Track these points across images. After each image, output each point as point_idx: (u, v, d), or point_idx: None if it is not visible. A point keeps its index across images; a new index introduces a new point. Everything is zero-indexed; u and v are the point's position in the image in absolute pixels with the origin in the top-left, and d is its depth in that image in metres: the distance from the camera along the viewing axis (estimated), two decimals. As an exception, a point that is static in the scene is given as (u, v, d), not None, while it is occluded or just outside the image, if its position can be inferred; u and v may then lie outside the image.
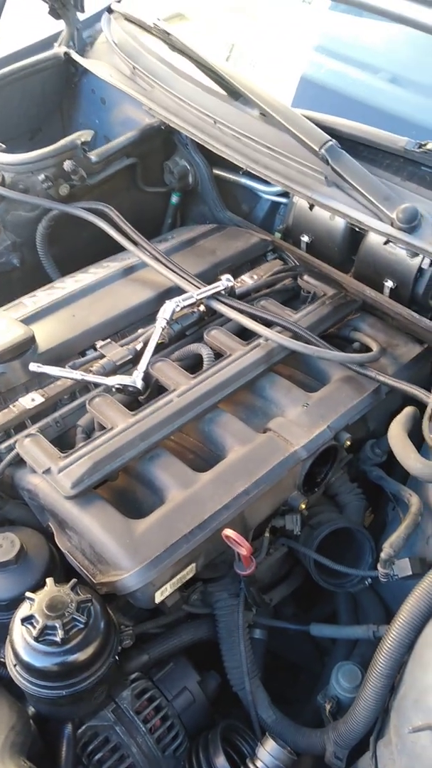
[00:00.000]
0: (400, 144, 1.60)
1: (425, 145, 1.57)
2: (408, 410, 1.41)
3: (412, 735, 1.06)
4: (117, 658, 1.25)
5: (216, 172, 2.10)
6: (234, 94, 1.88)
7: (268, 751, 1.16)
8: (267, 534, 1.44)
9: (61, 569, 1.31)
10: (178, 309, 1.57)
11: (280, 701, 1.47)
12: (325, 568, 1.48)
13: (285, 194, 2.02)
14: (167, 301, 1.56)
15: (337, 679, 1.38)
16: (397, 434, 1.34)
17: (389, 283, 1.76)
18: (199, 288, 1.63)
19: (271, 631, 1.60)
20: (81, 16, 2.27)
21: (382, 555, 1.27)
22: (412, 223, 1.52)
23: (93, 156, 1.90)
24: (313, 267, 1.86)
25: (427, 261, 1.70)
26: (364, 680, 1.21)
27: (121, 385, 1.45)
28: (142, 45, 2.06)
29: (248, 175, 1.99)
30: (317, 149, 1.60)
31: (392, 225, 1.54)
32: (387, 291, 1.77)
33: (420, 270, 1.72)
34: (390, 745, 1.16)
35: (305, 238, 1.91)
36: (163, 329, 1.55)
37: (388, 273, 1.76)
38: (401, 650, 1.15)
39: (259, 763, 1.16)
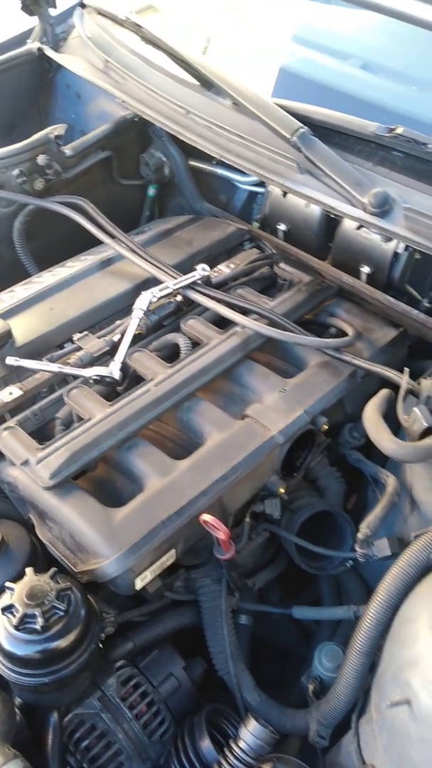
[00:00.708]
0: (371, 129, 1.61)
1: (395, 129, 1.58)
2: (383, 393, 1.43)
3: (391, 710, 1.07)
4: (101, 645, 1.27)
5: (192, 163, 2.11)
6: (206, 84, 1.89)
7: (250, 731, 1.17)
8: (248, 519, 1.46)
9: (43, 560, 1.32)
10: (154, 299, 1.58)
11: (268, 686, 1.49)
12: (307, 552, 1.49)
13: (262, 184, 2.03)
14: (143, 292, 1.57)
15: (320, 660, 1.39)
16: (371, 416, 1.35)
17: (366, 269, 1.78)
18: (176, 278, 1.63)
19: (258, 618, 1.62)
20: (54, 12, 2.26)
21: (359, 535, 1.29)
22: (383, 208, 1.53)
23: (67, 150, 1.90)
24: (291, 255, 1.87)
25: (401, 246, 1.71)
26: (344, 659, 1.23)
27: (98, 376, 1.46)
28: (115, 38, 2.06)
29: (225, 165, 2.00)
30: (289, 137, 1.61)
31: (364, 210, 1.55)
32: (364, 277, 1.79)
33: (395, 255, 1.73)
34: (371, 722, 1.17)
35: (282, 227, 1.92)
36: (140, 320, 1.55)
37: (364, 259, 1.78)
38: (379, 628, 1.17)
39: (242, 744, 1.17)
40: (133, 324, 1.54)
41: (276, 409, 1.44)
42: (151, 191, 2.14)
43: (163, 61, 1.98)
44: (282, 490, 1.43)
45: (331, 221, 1.83)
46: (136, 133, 2.06)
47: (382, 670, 1.15)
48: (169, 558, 1.28)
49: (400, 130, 1.58)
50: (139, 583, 1.23)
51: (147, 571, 1.24)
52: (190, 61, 1.86)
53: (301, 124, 1.61)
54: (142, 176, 2.12)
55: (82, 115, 2.25)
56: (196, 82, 1.94)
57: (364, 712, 1.22)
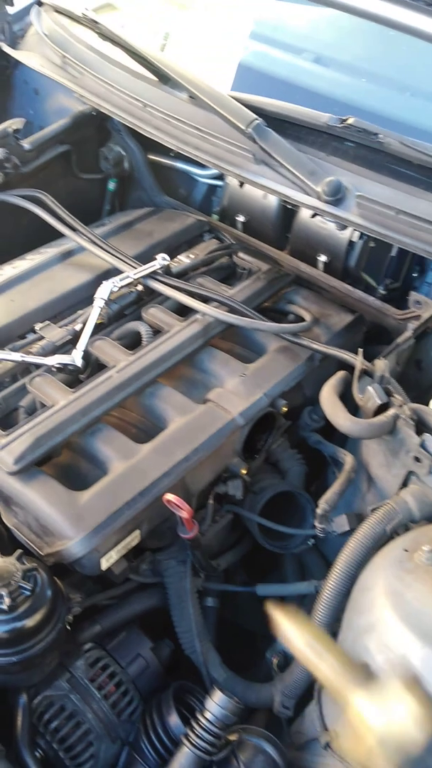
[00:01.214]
0: (323, 120, 1.65)
1: (347, 120, 1.63)
2: (339, 374, 1.47)
3: (350, 674, 1.11)
4: (68, 627, 1.29)
5: (152, 157, 2.14)
6: (163, 78, 1.92)
7: (216, 701, 1.20)
8: (211, 501, 1.49)
9: (10, 546, 1.33)
10: (115, 289, 1.60)
11: (236, 666, 1.52)
12: (270, 532, 1.53)
13: (221, 177, 2.07)
14: (104, 282, 1.59)
15: (283, 635, 1.43)
16: (328, 396, 1.40)
17: (323, 258, 1.83)
18: (137, 268, 1.66)
19: (225, 600, 1.65)
20: (11, 10, 2.27)
21: (318, 511, 1.33)
22: (336, 196, 1.57)
23: (26, 144, 1.91)
24: (249, 245, 1.91)
25: (356, 234, 1.77)
26: (306, 630, 1.26)
27: (61, 364, 1.48)
28: (72, 35, 2.07)
29: (184, 159, 2.03)
30: (244, 128, 1.64)
31: (318, 198, 1.59)
32: (321, 265, 1.84)
33: (350, 243, 1.78)
34: (332, 689, 1.21)
35: (241, 218, 1.96)
36: (101, 309, 1.58)
37: (321, 248, 1.82)
38: (338, 598, 1.21)
39: (207, 714, 1.20)
40: (94, 313, 1.56)
41: (236, 393, 1.47)
42: (111, 185, 2.16)
43: (120, 57, 2.00)
44: (244, 471, 1.47)
45: (288, 212, 1.88)
46: (94, 127, 2.08)
47: (342, 638, 1.19)
48: (133, 538, 1.30)
49: (351, 120, 1.63)
50: (104, 564, 1.26)
51: (112, 551, 1.26)
52: (147, 57, 1.89)
53: (256, 116, 1.65)
54: (101, 170, 2.14)
55: (40, 111, 2.26)
56: (153, 77, 1.96)
57: (326, 681, 1.26)
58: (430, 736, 0.23)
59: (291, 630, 0.24)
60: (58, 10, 2.16)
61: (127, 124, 1.85)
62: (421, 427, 1.30)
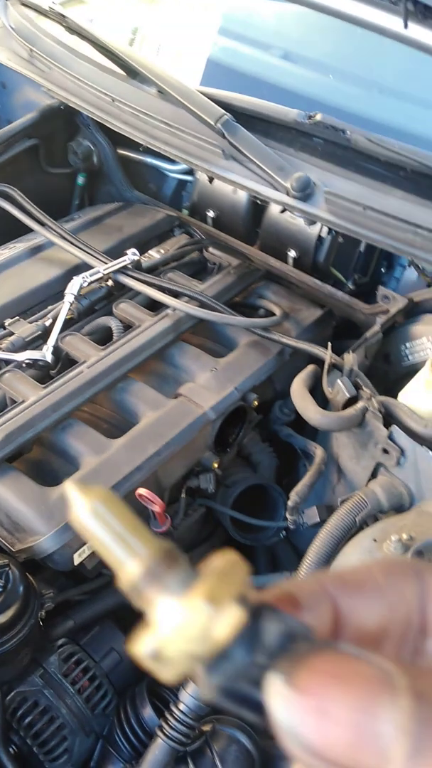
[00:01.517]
0: (291, 116, 1.66)
1: (314, 116, 1.64)
2: (309, 368, 1.49)
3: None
4: (41, 623, 1.29)
5: (121, 152, 2.13)
6: (131, 73, 1.92)
7: (189, 693, 1.22)
8: (183, 495, 1.50)
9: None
10: (85, 284, 1.60)
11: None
12: (242, 524, 1.55)
13: (190, 172, 2.07)
14: (74, 277, 1.59)
15: (256, 626, 1.44)
16: (298, 389, 1.41)
17: (292, 253, 1.84)
18: (106, 263, 1.66)
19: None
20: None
21: (289, 503, 1.34)
22: (305, 191, 1.59)
23: (-7, 138, 1.90)
24: (220, 240, 1.92)
25: (325, 230, 1.79)
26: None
27: (31, 360, 1.47)
28: (39, 28, 2.06)
29: (153, 153, 2.03)
30: (213, 123, 1.65)
31: (287, 194, 1.60)
32: (291, 261, 1.85)
33: (319, 239, 1.80)
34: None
35: (211, 213, 1.97)
36: (71, 305, 1.57)
37: (291, 243, 1.84)
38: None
39: (181, 706, 1.22)
40: (64, 308, 1.55)
41: (208, 387, 1.48)
42: (80, 180, 2.15)
43: (88, 51, 1.99)
44: (216, 465, 1.48)
45: (257, 207, 1.89)
46: (63, 121, 2.06)
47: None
48: (106, 533, 1.30)
49: (319, 117, 1.64)
50: (77, 559, 1.26)
51: (85, 546, 1.26)
52: (116, 51, 1.88)
53: (225, 111, 1.65)
54: (70, 165, 2.13)
55: (7, 105, 2.24)
56: (122, 72, 1.96)
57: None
58: (231, 637, 0.24)
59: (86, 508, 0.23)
60: (25, 4, 2.14)
61: (96, 119, 1.85)
62: (388, 419, 1.32)
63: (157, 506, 1.26)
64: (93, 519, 0.29)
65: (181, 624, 0.27)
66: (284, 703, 0.25)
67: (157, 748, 1.24)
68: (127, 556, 0.29)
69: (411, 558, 1.01)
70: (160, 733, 1.24)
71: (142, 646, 0.28)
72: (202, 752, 1.26)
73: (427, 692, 0.22)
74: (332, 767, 0.23)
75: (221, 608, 0.27)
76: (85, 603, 1.45)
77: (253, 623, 0.28)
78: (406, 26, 1.52)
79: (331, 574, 0.31)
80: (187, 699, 1.21)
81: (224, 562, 0.29)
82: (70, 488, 0.29)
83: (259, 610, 0.28)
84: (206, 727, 1.27)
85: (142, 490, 1.25)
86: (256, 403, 1.52)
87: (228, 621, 0.27)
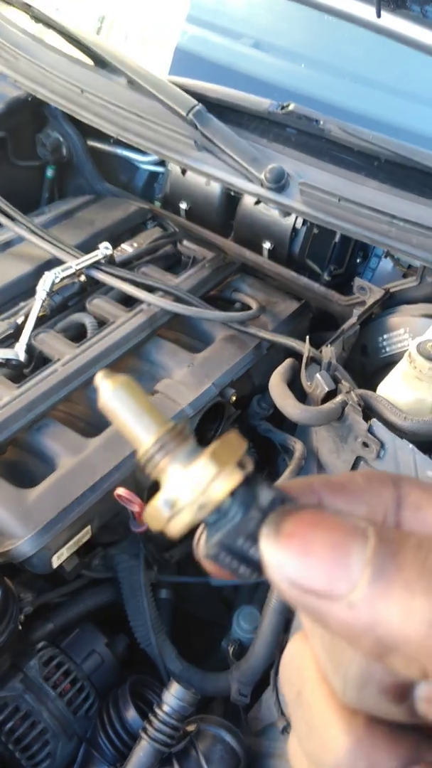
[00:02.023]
0: (264, 106, 1.64)
1: (287, 107, 1.62)
2: (287, 362, 1.47)
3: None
4: (20, 626, 1.26)
5: (91, 143, 2.09)
6: (100, 63, 1.88)
7: (173, 693, 1.20)
8: (162, 493, 1.48)
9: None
10: (57, 280, 1.57)
11: (192, 657, 1.52)
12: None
13: (162, 163, 2.04)
14: (46, 273, 1.56)
15: (238, 623, 1.44)
16: (276, 384, 1.40)
17: (267, 245, 1.82)
18: (79, 258, 1.62)
19: (179, 592, 1.64)
20: None
21: (270, 499, 1.33)
22: (279, 183, 1.57)
23: (-41, 131, 1.85)
24: (193, 233, 1.89)
25: (300, 221, 1.77)
26: (261, 619, 1.27)
27: (3, 359, 1.44)
28: (4, 18, 2.01)
29: (124, 145, 1.99)
30: (185, 114, 1.62)
31: (261, 185, 1.58)
32: (265, 252, 1.83)
33: (294, 230, 1.79)
34: (288, 675, 1.23)
35: (183, 205, 1.94)
36: (43, 301, 1.54)
37: (265, 234, 1.82)
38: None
39: (165, 707, 1.20)
40: (36, 305, 1.52)
41: (185, 383, 1.46)
42: (50, 172, 2.11)
43: (55, 40, 1.95)
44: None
45: (231, 198, 1.87)
46: (30, 113, 2.02)
47: (297, 625, 1.20)
48: (84, 535, 1.28)
49: (291, 107, 1.62)
50: (55, 561, 1.23)
51: (63, 549, 1.24)
52: (83, 40, 1.84)
53: (197, 102, 1.63)
54: (39, 157, 2.09)
55: (-27, 97, 2.18)
56: (90, 62, 1.92)
57: (282, 667, 1.27)
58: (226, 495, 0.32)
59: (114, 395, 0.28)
60: (-11, -8, 2.09)
61: (65, 110, 1.81)
62: (368, 412, 1.31)
63: (136, 506, 1.24)
64: (115, 400, 0.34)
65: (192, 477, 0.32)
66: (273, 545, 0.29)
67: (141, 750, 1.23)
68: (143, 432, 0.34)
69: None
70: (143, 735, 1.23)
71: (157, 500, 0.33)
72: (187, 753, 1.25)
73: (389, 537, 0.28)
74: (312, 596, 0.28)
75: (224, 468, 0.32)
76: (65, 605, 1.43)
77: (249, 486, 0.33)
78: (378, 15, 1.50)
79: (318, 476, 0.34)
80: (170, 700, 1.19)
81: (227, 437, 0.33)
82: (98, 374, 0.35)
83: (255, 478, 0.33)
84: (191, 727, 1.26)
85: (121, 490, 1.23)
86: (234, 398, 1.50)
87: (229, 479, 0.32)
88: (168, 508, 0.32)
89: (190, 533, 0.33)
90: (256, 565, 0.32)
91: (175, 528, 0.33)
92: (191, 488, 0.32)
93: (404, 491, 0.34)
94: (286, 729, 1.25)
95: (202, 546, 0.33)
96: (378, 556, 0.27)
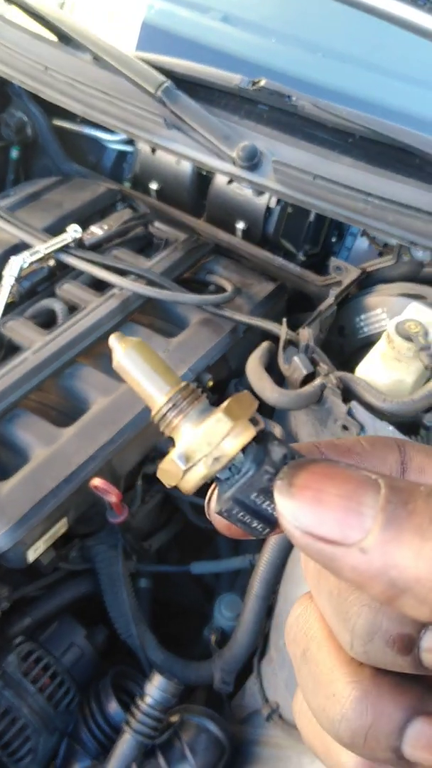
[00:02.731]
0: (234, 82, 1.60)
1: (258, 82, 1.58)
2: (264, 345, 1.45)
3: (288, 648, 1.11)
4: (-4, 623, 1.23)
5: (56, 123, 2.03)
6: (64, 39, 1.81)
7: (155, 685, 1.18)
8: (140, 482, 1.45)
9: None
10: (25, 265, 1.52)
11: (173, 646, 1.50)
12: (202, 509, 1.51)
13: (131, 142, 1.98)
14: (13, 258, 1.50)
15: (220, 610, 1.42)
16: (253, 368, 1.37)
17: (241, 225, 1.79)
18: (47, 242, 1.57)
19: (159, 580, 1.62)
20: None
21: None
22: (252, 161, 1.53)
23: None
24: (165, 214, 1.85)
25: (273, 200, 1.73)
26: (243, 606, 1.26)
27: (-29, 348, 1.39)
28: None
29: (91, 124, 1.93)
30: (153, 91, 1.57)
31: (234, 164, 1.54)
32: (239, 233, 1.79)
33: (268, 209, 1.75)
34: (271, 663, 1.21)
35: (154, 186, 1.90)
36: (11, 287, 1.49)
37: (239, 214, 1.78)
38: (273, 571, 1.20)
39: (147, 699, 1.18)
40: (4, 292, 1.47)
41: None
42: (14, 153, 2.04)
43: (17, 17, 1.87)
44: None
45: (202, 178, 1.82)
46: (-7, 91, 1.95)
47: (279, 611, 1.19)
48: (61, 527, 1.25)
49: (263, 83, 1.58)
50: (31, 555, 1.20)
51: (39, 542, 1.21)
52: (46, 16, 1.78)
53: (165, 78, 1.58)
54: (2, 137, 2.02)
55: None
56: (54, 38, 1.85)
57: (265, 654, 1.26)
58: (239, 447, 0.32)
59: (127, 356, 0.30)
60: None
61: (29, 89, 1.74)
62: (347, 394, 1.30)
63: (113, 496, 1.21)
64: (127, 361, 0.35)
65: (207, 431, 0.32)
66: (287, 497, 0.30)
67: (125, 743, 1.21)
68: (156, 391, 0.34)
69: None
70: (126, 728, 1.21)
71: (172, 455, 0.33)
72: (171, 744, 1.24)
73: (400, 486, 0.29)
74: (325, 544, 0.29)
75: (238, 423, 0.32)
76: (42, 598, 1.40)
77: (261, 442, 0.33)
78: (350, -15, 1.46)
79: (324, 440, 0.35)
80: (153, 691, 1.17)
81: (239, 395, 0.34)
82: (111, 337, 0.35)
83: (266, 434, 0.34)
84: (174, 718, 1.24)
85: (97, 481, 1.20)
86: (210, 383, 1.47)
87: (243, 434, 0.32)
88: (183, 462, 0.33)
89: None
90: (269, 520, 0.33)
91: (190, 482, 0.33)
92: (206, 442, 0.32)
93: (408, 455, 0.35)
94: (270, 716, 1.24)
95: (214, 502, 0.34)
96: (390, 504, 0.28)
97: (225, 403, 0.33)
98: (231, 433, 0.32)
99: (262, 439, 0.34)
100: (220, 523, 0.35)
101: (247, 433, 0.33)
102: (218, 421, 0.32)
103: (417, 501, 0.28)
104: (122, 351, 0.35)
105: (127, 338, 0.35)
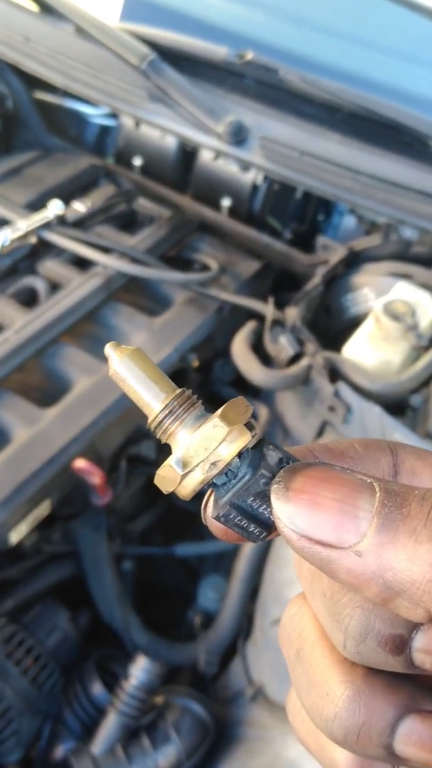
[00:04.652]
0: (221, 55, 1.57)
1: (244, 55, 1.55)
2: (249, 325, 1.43)
3: (273, 628, 1.11)
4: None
5: (38, 95, 1.97)
6: (46, 8, 1.76)
7: (139, 666, 1.18)
8: (123, 463, 1.43)
9: None
10: (6, 242, 1.48)
11: (158, 628, 1.49)
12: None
13: (114, 116, 1.94)
14: (-7, 235, 1.47)
15: (205, 592, 1.41)
16: (239, 348, 1.36)
17: (226, 202, 1.76)
18: (29, 218, 1.54)
19: (143, 563, 1.61)
20: None
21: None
22: (239, 136, 1.50)
23: None
24: (149, 190, 1.81)
25: (260, 177, 1.70)
26: (227, 588, 1.25)
27: None
28: None
29: (73, 97, 1.89)
30: (137, 64, 1.53)
31: (219, 139, 1.52)
32: (225, 210, 1.77)
33: (254, 186, 1.72)
34: (256, 644, 1.21)
35: (138, 161, 1.86)
36: (-8, 265, 1.46)
37: (225, 191, 1.75)
38: (258, 553, 1.20)
39: (132, 680, 1.18)
40: (-16, 269, 1.44)
41: (144, 349, 1.40)
42: (-5, 127, 1.99)
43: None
44: (156, 431, 1.41)
45: (187, 153, 1.79)
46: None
47: (264, 592, 1.18)
48: (44, 509, 1.23)
49: (249, 55, 1.55)
50: (14, 537, 1.19)
51: (22, 524, 1.19)
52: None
53: (149, 50, 1.54)
54: (-18, 111, 1.97)
55: None
56: (35, 8, 1.80)
57: (249, 636, 1.26)
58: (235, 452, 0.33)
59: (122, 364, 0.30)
60: None
61: (9, 60, 1.70)
62: (334, 375, 1.28)
63: (97, 477, 1.19)
64: (123, 370, 0.35)
65: (203, 437, 0.32)
66: (284, 501, 0.30)
67: (109, 724, 1.21)
68: (152, 399, 0.34)
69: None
70: (111, 709, 1.20)
71: (169, 461, 0.33)
72: (156, 725, 1.23)
73: (395, 490, 0.29)
74: (322, 547, 0.29)
75: (233, 428, 0.32)
76: (25, 581, 1.39)
77: (257, 447, 0.34)
78: None
79: (317, 443, 0.35)
80: (138, 673, 1.17)
81: (234, 400, 0.34)
82: (107, 347, 0.35)
83: (262, 439, 0.34)
84: (159, 699, 1.24)
85: (80, 462, 1.18)
86: (196, 363, 1.45)
87: (239, 439, 0.32)
88: (180, 467, 0.33)
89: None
90: (266, 523, 0.33)
91: (188, 487, 0.33)
92: (203, 447, 0.32)
93: (401, 458, 0.35)
94: (254, 696, 1.24)
95: (211, 507, 0.34)
96: (385, 507, 0.29)
97: (220, 409, 0.33)
98: (227, 439, 0.32)
99: (257, 443, 0.34)
100: (216, 528, 0.35)
101: (243, 438, 0.33)
102: (214, 427, 0.33)
103: (411, 504, 0.29)
104: (118, 360, 0.35)
105: (123, 347, 0.35)
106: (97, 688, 1.28)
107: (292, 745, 1.14)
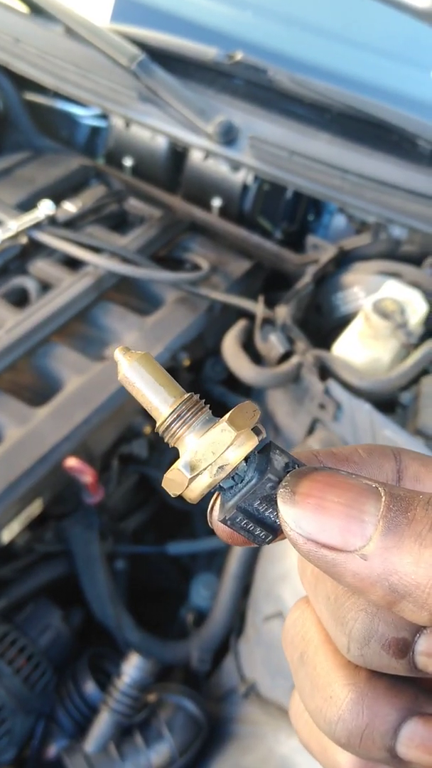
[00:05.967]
0: (210, 56, 1.57)
1: (234, 56, 1.56)
2: (240, 323, 1.44)
3: (266, 624, 1.11)
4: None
5: (28, 97, 1.98)
6: (35, 9, 1.77)
7: (132, 664, 1.18)
8: (115, 462, 1.44)
9: None
10: (-3, 242, 1.48)
11: (150, 626, 1.50)
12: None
13: (104, 117, 1.94)
14: (-16, 235, 1.47)
15: (197, 590, 1.42)
16: (229, 347, 1.36)
17: (217, 202, 1.76)
18: (19, 219, 1.54)
19: (135, 561, 1.61)
20: None
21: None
22: (228, 137, 1.51)
23: None
24: (140, 190, 1.82)
25: (250, 177, 1.71)
26: (219, 585, 1.25)
27: None
28: None
29: (64, 98, 1.89)
30: (127, 65, 1.54)
31: (210, 139, 1.52)
32: (215, 210, 1.77)
33: (245, 186, 1.73)
34: (248, 641, 1.22)
35: (128, 162, 1.86)
36: (-18, 265, 1.46)
37: (215, 191, 1.76)
38: (249, 551, 1.20)
39: (124, 678, 1.18)
40: (-25, 269, 1.44)
41: (135, 348, 1.41)
42: (-15, 128, 1.99)
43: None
44: (148, 430, 1.42)
45: (178, 154, 1.79)
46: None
47: (256, 589, 1.19)
48: (35, 508, 1.23)
49: (239, 57, 1.55)
50: (6, 536, 1.19)
51: (13, 523, 1.19)
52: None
53: (140, 51, 1.54)
54: (-28, 112, 1.97)
55: None
56: (25, 9, 1.81)
57: (242, 633, 1.26)
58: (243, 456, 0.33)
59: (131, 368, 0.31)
60: None
61: (-2, 60, 1.70)
62: (324, 373, 1.29)
63: (88, 476, 1.19)
64: (132, 374, 0.35)
65: (211, 441, 0.33)
66: (290, 504, 0.31)
67: (102, 722, 1.21)
68: (160, 403, 0.35)
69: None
70: (104, 707, 1.20)
71: (177, 465, 0.33)
72: (149, 722, 1.24)
73: (400, 494, 0.30)
74: (328, 551, 0.29)
75: (241, 432, 0.33)
76: (18, 580, 1.39)
77: (264, 451, 0.34)
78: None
79: (322, 449, 0.36)
80: (130, 671, 1.17)
81: (242, 405, 0.35)
82: (116, 351, 0.36)
83: (268, 444, 0.34)
84: (152, 697, 1.24)
85: (71, 461, 1.18)
86: (187, 362, 1.46)
87: (246, 444, 0.33)
88: (188, 471, 0.33)
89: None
90: (272, 527, 0.34)
91: (195, 491, 0.33)
92: (211, 451, 0.33)
93: (404, 464, 0.35)
94: (247, 693, 1.24)
95: (217, 511, 0.34)
96: (390, 512, 0.29)
97: (228, 414, 0.33)
98: (234, 443, 0.33)
99: (264, 448, 0.34)
100: (222, 531, 0.35)
101: (250, 443, 0.33)
102: (222, 431, 0.33)
103: (417, 509, 0.29)
104: (127, 364, 0.35)
105: (132, 351, 0.36)
106: (90, 687, 1.28)
107: (285, 741, 1.15)
